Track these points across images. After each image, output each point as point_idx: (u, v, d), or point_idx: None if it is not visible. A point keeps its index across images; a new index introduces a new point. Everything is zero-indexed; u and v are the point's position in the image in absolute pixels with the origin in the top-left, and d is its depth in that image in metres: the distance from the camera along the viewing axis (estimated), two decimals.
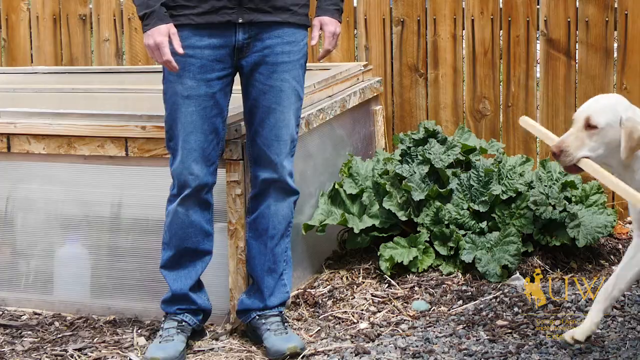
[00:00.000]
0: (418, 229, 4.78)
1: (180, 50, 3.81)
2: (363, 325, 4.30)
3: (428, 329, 4.21)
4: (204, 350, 4.11)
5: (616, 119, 3.67)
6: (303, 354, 3.98)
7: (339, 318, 4.38)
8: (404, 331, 4.22)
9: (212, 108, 3.95)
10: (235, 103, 4.08)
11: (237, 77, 4.04)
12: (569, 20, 5.39)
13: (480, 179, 4.81)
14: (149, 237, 4.41)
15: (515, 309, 4.33)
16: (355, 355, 3.99)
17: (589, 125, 3.69)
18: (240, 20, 3.89)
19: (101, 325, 4.39)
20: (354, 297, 4.58)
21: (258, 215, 4.10)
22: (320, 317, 4.39)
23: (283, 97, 3.96)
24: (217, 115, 3.97)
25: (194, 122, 3.92)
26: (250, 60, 3.95)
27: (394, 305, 4.48)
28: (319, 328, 4.28)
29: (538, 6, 5.43)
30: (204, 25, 3.88)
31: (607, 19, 5.33)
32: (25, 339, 4.30)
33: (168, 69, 3.85)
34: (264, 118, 3.96)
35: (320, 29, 4.04)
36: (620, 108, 3.70)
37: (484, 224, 4.78)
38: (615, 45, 5.37)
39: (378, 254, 4.73)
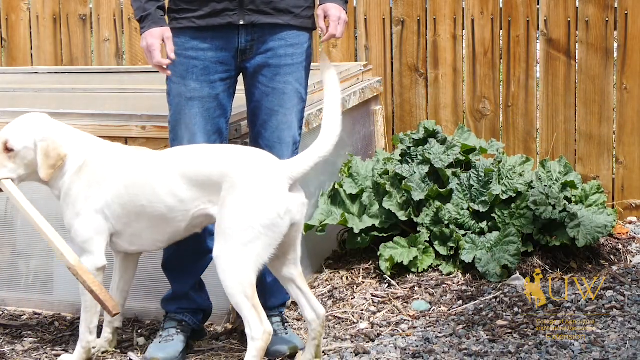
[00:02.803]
0: (418, 229, 4.78)
1: (172, 55, 3.86)
2: (363, 325, 4.30)
3: (428, 329, 4.21)
4: (204, 350, 4.11)
5: (32, 140, 3.86)
6: None
7: (339, 318, 4.38)
8: (404, 331, 4.22)
9: (215, 109, 3.95)
10: (235, 103, 4.08)
11: (240, 78, 4.04)
12: (569, 20, 5.39)
13: (480, 179, 4.81)
14: None
15: (515, 309, 4.33)
16: (355, 355, 3.99)
17: (7, 149, 3.86)
18: (241, 22, 3.89)
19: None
20: (354, 297, 4.58)
21: None
22: None
23: (286, 99, 3.96)
24: (221, 116, 3.98)
25: (198, 123, 3.92)
26: (253, 62, 3.95)
27: (394, 305, 4.48)
28: None
29: (538, 6, 5.43)
30: (206, 27, 3.90)
31: (607, 19, 5.33)
32: (25, 339, 4.30)
33: (160, 72, 3.89)
34: (266, 120, 3.96)
35: (325, 17, 4.00)
36: (36, 129, 3.88)
37: (484, 224, 4.78)
38: (615, 45, 5.37)
39: (378, 254, 4.73)
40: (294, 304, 4.48)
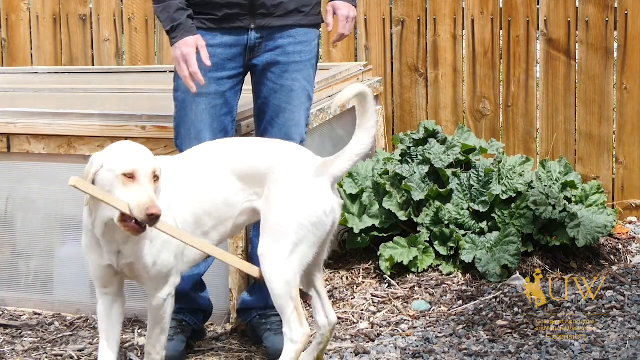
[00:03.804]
0: (418, 229, 4.78)
1: (208, 62, 3.80)
2: (363, 325, 4.30)
3: (428, 329, 4.21)
4: (204, 350, 4.11)
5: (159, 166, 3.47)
6: None
7: (339, 318, 4.38)
8: (404, 331, 4.22)
9: (221, 107, 3.95)
10: (240, 102, 4.08)
11: (247, 77, 4.04)
12: (569, 20, 5.39)
13: (480, 179, 4.81)
14: None
15: (515, 309, 4.33)
16: (355, 355, 3.99)
17: (156, 177, 3.41)
18: (252, 26, 3.91)
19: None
20: (354, 297, 4.58)
21: None
22: None
23: (294, 96, 3.96)
24: (227, 114, 3.97)
25: (204, 120, 3.92)
26: (262, 59, 3.96)
27: (394, 305, 4.48)
28: None
29: (538, 6, 5.43)
30: (217, 28, 3.90)
31: (607, 19, 5.33)
32: (25, 339, 4.30)
33: (193, 81, 3.81)
34: (274, 117, 3.97)
35: (334, 14, 4.02)
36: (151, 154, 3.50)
37: (484, 224, 4.78)
38: (615, 45, 5.37)
39: (378, 254, 4.73)
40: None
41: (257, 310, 4.12)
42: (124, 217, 3.33)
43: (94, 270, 3.56)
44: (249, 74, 4.04)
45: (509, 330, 4.14)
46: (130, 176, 3.35)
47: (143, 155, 3.42)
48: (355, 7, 4.04)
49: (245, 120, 4.25)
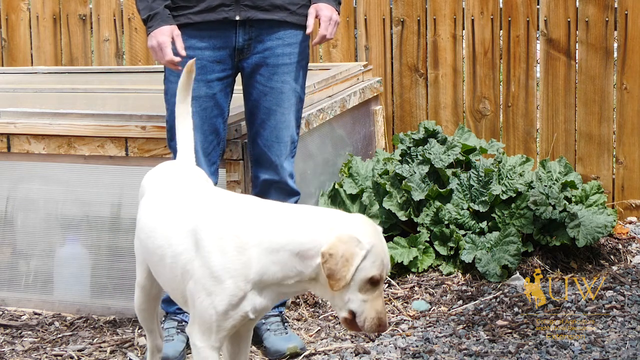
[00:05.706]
0: (418, 229, 4.78)
1: (182, 52, 3.81)
2: None
3: (428, 329, 4.21)
4: None
5: None
6: (303, 354, 3.98)
7: (339, 318, 4.37)
8: (404, 331, 4.22)
9: (212, 109, 3.95)
10: (235, 103, 4.08)
11: (238, 77, 4.04)
12: (569, 20, 5.39)
13: (480, 179, 4.82)
14: None
15: (515, 309, 4.33)
16: (355, 355, 3.99)
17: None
18: (237, 18, 3.88)
19: (101, 325, 4.39)
20: None
21: None
22: (320, 317, 4.39)
23: (284, 98, 3.96)
24: (218, 115, 3.97)
25: (194, 122, 3.91)
26: (250, 61, 3.95)
27: (394, 305, 4.48)
28: (319, 328, 4.28)
29: (538, 6, 5.43)
30: (203, 25, 3.88)
31: (607, 19, 5.33)
32: (25, 339, 4.30)
33: (172, 69, 3.85)
34: (264, 119, 3.96)
35: (317, 16, 3.99)
36: None
37: (484, 224, 4.78)
38: (615, 45, 5.37)
39: None
40: (294, 303, 4.48)
41: None
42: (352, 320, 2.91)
43: (234, 320, 3.07)
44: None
45: (509, 330, 4.14)
46: (377, 282, 2.80)
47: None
48: (339, 12, 4.00)
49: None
